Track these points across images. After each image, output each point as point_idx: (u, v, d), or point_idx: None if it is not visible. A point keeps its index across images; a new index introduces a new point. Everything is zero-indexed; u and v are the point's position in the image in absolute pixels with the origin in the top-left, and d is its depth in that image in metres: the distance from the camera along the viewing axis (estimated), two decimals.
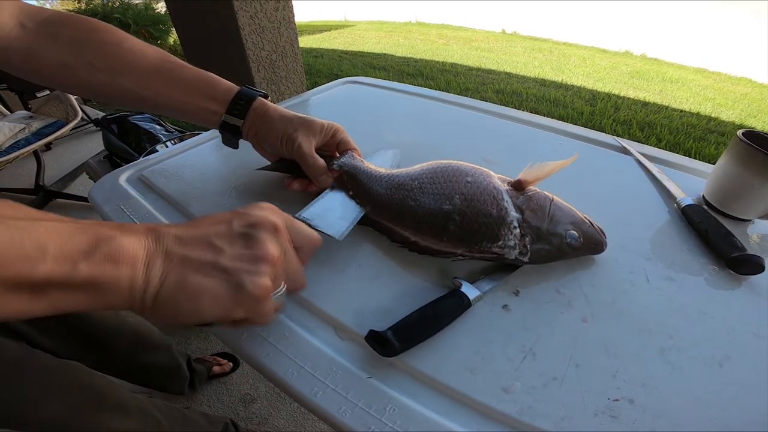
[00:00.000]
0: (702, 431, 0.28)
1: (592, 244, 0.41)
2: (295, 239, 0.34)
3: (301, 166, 0.50)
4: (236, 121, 0.50)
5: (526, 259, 0.39)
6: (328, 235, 0.42)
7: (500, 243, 0.39)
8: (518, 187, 0.43)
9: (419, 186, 0.45)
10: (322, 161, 0.49)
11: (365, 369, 0.33)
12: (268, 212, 0.32)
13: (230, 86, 0.51)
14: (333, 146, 0.53)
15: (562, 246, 0.40)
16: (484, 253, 0.40)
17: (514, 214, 0.40)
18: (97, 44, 0.47)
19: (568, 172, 0.44)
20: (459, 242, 0.40)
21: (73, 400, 0.64)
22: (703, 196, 0.51)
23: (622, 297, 0.38)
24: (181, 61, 0.50)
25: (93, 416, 0.66)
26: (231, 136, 0.52)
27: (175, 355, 1.02)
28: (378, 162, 0.54)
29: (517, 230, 0.39)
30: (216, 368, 1.23)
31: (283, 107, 0.78)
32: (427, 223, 0.42)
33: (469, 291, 0.37)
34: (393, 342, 0.32)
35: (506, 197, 0.42)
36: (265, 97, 0.53)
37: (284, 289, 0.32)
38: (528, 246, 0.39)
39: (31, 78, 0.48)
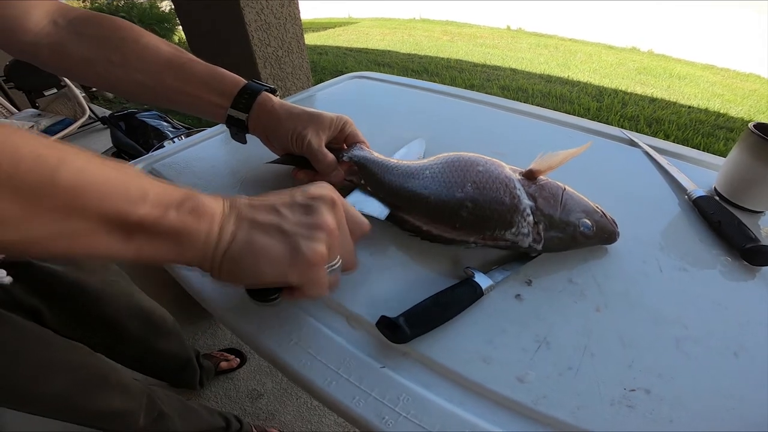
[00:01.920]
0: (718, 421, 0.28)
1: (605, 233, 0.41)
2: (348, 221, 0.35)
3: (312, 163, 0.50)
4: (240, 115, 0.50)
5: (539, 247, 0.39)
6: (372, 216, 0.43)
7: (514, 230, 0.39)
8: (530, 176, 0.43)
9: (431, 175, 0.45)
10: (332, 157, 0.50)
11: (378, 359, 0.33)
12: (328, 189, 0.34)
13: (237, 80, 0.51)
14: (341, 140, 0.53)
15: (576, 234, 0.40)
16: (497, 240, 0.40)
17: (527, 201, 0.40)
18: (117, 41, 0.49)
19: (577, 164, 0.44)
20: (472, 230, 0.40)
21: (74, 378, 0.65)
22: (715, 188, 0.51)
23: (635, 287, 0.38)
24: (193, 57, 0.51)
25: (94, 394, 0.68)
26: (237, 131, 0.52)
27: (186, 345, 1.03)
28: (407, 152, 0.55)
29: (531, 218, 0.39)
30: (223, 364, 1.24)
31: (289, 102, 0.79)
32: (440, 211, 0.42)
33: (482, 280, 0.36)
34: (404, 328, 0.33)
35: (518, 185, 0.42)
36: (273, 91, 0.53)
37: (339, 263, 0.33)
38: (542, 233, 0.39)
39: (58, 72, 0.52)
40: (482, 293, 0.36)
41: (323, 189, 0.34)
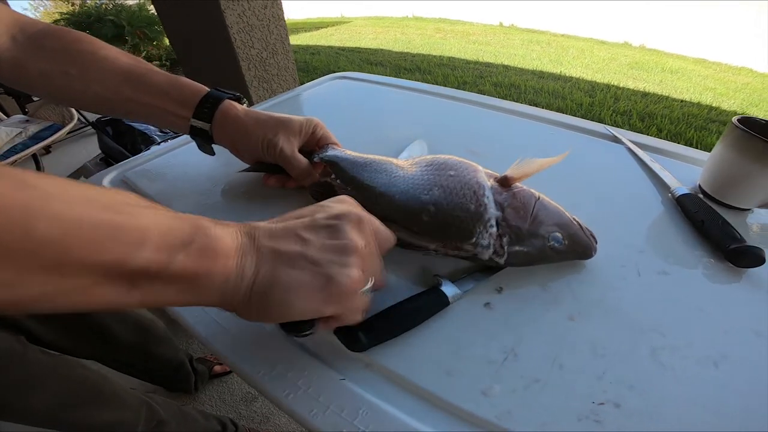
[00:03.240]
0: None
1: (578, 248, 0.38)
2: (375, 235, 0.33)
3: (286, 169, 0.49)
4: (203, 125, 0.49)
5: (501, 261, 0.36)
6: None
7: (473, 240, 0.36)
8: (504, 183, 0.40)
9: (402, 175, 0.43)
10: (306, 162, 0.49)
11: (339, 370, 0.32)
12: (350, 205, 0.32)
13: (198, 89, 0.50)
14: (313, 143, 0.51)
15: (544, 249, 0.37)
16: (457, 250, 0.37)
17: (493, 211, 0.37)
18: (75, 54, 0.48)
19: (558, 165, 0.42)
20: (432, 236, 0.38)
21: (64, 392, 0.65)
22: (699, 185, 0.49)
23: (613, 293, 0.36)
24: (153, 67, 0.50)
25: (87, 408, 0.68)
26: (202, 141, 0.51)
27: (178, 349, 1.04)
28: (408, 155, 0.53)
29: (494, 229, 0.37)
30: (217, 368, 1.24)
31: (272, 103, 0.77)
32: (402, 212, 0.39)
33: (449, 289, 0.35)
34: (360, 335, 0.31)
35: (488, 193, 0.39)
36: (238, 99, 0.51)
37: (372, 283, 0.31)
38: (505, 247, 0.36)
39: (19, 87, 0.51)
40: (448, 302, 0.34)
41: (346, 205, 0.32)
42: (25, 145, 1.88)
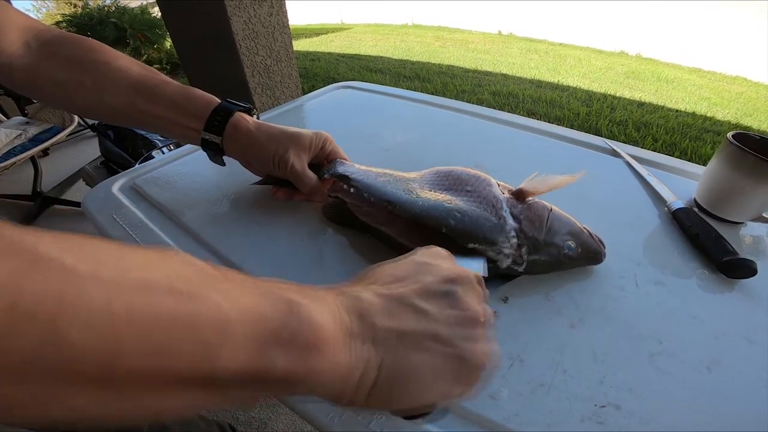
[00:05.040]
0: None
1: (590, 254, 0.41)
2: None
3: (296, 186, 0.50)
4: (214, 138, 0.49)
5: (521, 269, 0.39)
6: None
7: (495, 248, 0.38)
8: (519, 196, 0.42)
9: (419, 187, 0.45)
10: (315, 178, 0.50)
11: None
12: (447, 259, 0.29)
13: (209, 101, 0.49)
14: (323, 158, 0.52)
15: (560, 257, 0.39)
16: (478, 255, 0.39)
17: (512, 223, 0.40)
18: (90, 63, 0.48)
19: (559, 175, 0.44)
20: (455, 244, 0.39)
21: None
22: (695, 199, 0.51)
23: (612, 303, 0.38)
24: (166, 78, 0.50)
25: None
26: (214, 154, 0.51)
27: None
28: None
29: (515, 240, 0.39)
30: None
31: (276, 113, 0.79)
32: (423, 223, 0.41)
33: None
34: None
35: (505, 206, 0.41)
36: (248, 111, 0.51)
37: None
38: (524, 256, 0.39)
39: (31, 95, 0.50)
40: None
41: (448, 262, 0.28)
42: (24, 147, 1.89)
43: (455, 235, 0.39)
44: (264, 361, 0.19)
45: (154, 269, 0.18)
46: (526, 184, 0.42)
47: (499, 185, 0.44)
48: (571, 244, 0.40)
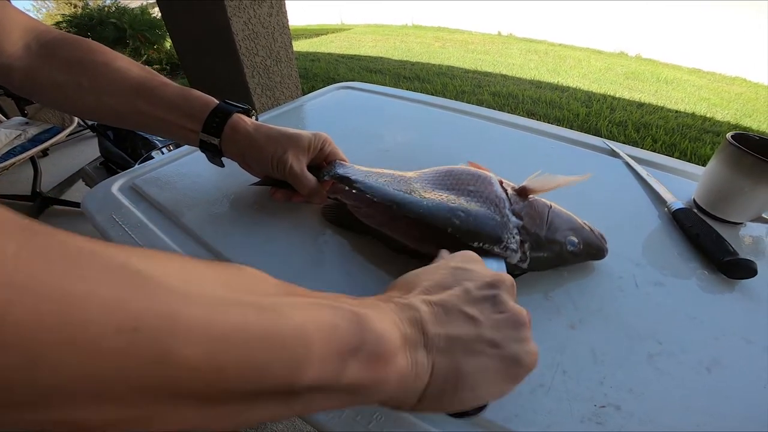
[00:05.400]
0: None
1: (592, 249, 0.41)
2: None
3: (295, 188, 0.50)
4: (212, 140, 0.48)
5: (525, 266, 0.39)
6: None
7: (501, 246, 0.38)
8: (522, 193, 0.43)
9: (422, 187, 0.45)
10: (314, 180, 0.49)
11: None
12: (482, 266, 0.30)
13: (208, 102, 0.49)
14: (322, 159, 0.52)
15: (563, 252, 0.40)
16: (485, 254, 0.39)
17: (514, 220, 0.40)
18: (89, 64, 0.48)
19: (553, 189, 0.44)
20: (460, 243, 0.39)
21: None
22: (694, 200, 0.51)
23: (611, 303, 0.38)
24: (165, 80, 0.50)
25: None
26: (212, 155, 0.51)
27: None
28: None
29: (518, 237, 0.39)
30: None
31: (276, 113, 0.79)
32: (428, 224, 0.40)
33: None
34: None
35: (507, 204, 0.41)
36: (247, 112, 0.51)
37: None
38: (527, 252, 0.39)
39: (30, 96, 0.50)
40: None
41: (483, 266, 0.29)
42: (24, 148, 1.88)
43: (461, 235, 0.39)
44: (339, 372, 0.20)
45: (236, 286, 0.19)
46: (530, 181, 0.43)
47: (501, 182, 0.45)
48: (574, 239, 0.40)
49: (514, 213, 0.41)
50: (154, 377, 0.15)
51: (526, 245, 0.39)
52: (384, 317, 0.23)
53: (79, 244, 0.14)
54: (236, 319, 0.17)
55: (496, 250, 0.38)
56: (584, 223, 0.42)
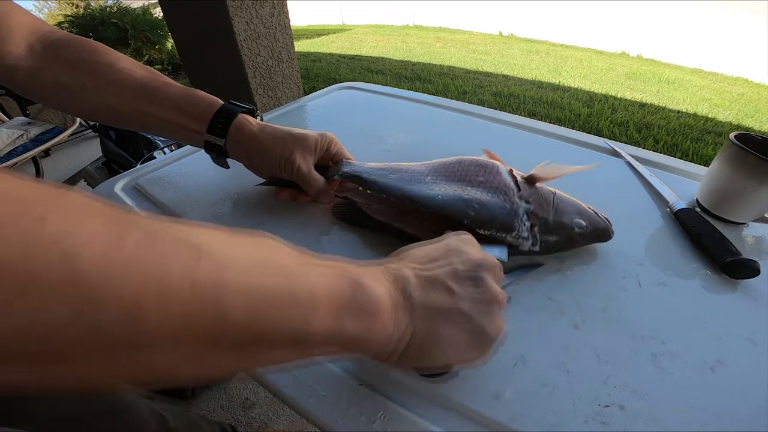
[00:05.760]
0: None
1: (598, 231, 0.42)
2: None
3: (303, 188, 0.50)
4: (217, 141, 0.48)
5: (537, 249, 0.41)
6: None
7: (514, 233, 0.40)
8: (530, 181, 0.45)
9: (433, 180, 0.45)
10: (322, 180, 0.50)
11: (357, 377, 0.33)
12: (475, 246, 0.32)
13: (212, 103, 0.49)
14: (328, 159, 0.52)
15: (572, 234, 0.41)
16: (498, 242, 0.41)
17: (524, 206, 0.42)
18: (92, 65, 0.47)
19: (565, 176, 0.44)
20: (475, 233, 0.39)
21: (81, 407, 0.64)
22: (697, 200, 0.51)
23: (614, 303, 0.38)
24: (169, 80, 0.49)
25: (99, 422, 0.66)
26: (217, 156, 0.51)
27: None
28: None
29: (528, 222, 0.41)
30: None
31: (278, 113, 0.79)
32: (446, 215, 0.41)
33: None
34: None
35: (516, 191, 0.43)
36: (252, 112, 0.51)
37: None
38: (538, 236, 0.41)
39: (33, 97, 0.50)
40: None
41: (475, 251, 0.31)
42: (26, 148, 1.89)
43: (476, 225, 0.40)
44: (339, 326, 0.23)
45: (263, 252, 0.23)
46: (537, 170, 0.45)
47: (511, 171, 0.46)
48: (581, 221, 0.42)
49: (523, 198, 0.42)
50: (209, 329, 0.18)
51: (536, 228, 0.41)
52: (377, 282, 0.26)
53: (156, 226, 0.18)
54: (265, 283, 0.20)
55: (509, 238, 0.40)
56: (589, 207, 0.44)
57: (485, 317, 0.28)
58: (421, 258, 0.30)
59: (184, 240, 0.18)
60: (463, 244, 0.32)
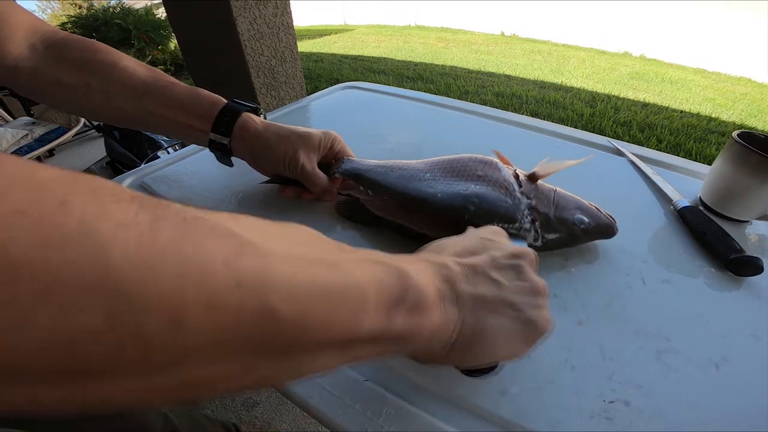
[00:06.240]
0: None
1: (602, 227, 0.42)
2: None
3: (307, 186, 0.50)
4: (222, 139, 0.48)
5: (538, 244, 0.41)
6: None
7: (516, 226, 0.41)
8: (532, 178, 0.45)
9: (432, 177, 0.46)
10: (325, 178, 0.50)
11: (362, 372, 0.34)
12: (506, 237, 0.32)
13: (216, 101, 0.49)
14: (331, 157, 0.52)
15: (574, 231, 0.42)
16: None
17: (525, 201, 0.42)
18: (96, 65, 0.48)
19: (563, 174, 0.45)
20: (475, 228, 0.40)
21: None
22: (700, 198, 0.51)
23: (618, 300, 0.38)
24: (173, 79, 0.50)
25: (112, 419, 0.66)
26: (221, 155, 0.51)
27: None
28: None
29: (529, 217, 0.41)
30: None
31: (282, 113, 0.80)
32: (447, 211, 0.42)
33: None
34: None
35: (516, 187, 0.43)
36: (255, 111, 0.51)
37: None
38: (539, 231, 0.41)
39: (36, 98, 0.50)
40: None
41: (506, 240, 0.31)
42: (30, 148, 1.90)
43: (476, 220, 0.40)
44: (389, 322, 0.21)
45: (304, 243, 0.21)
46: (539, 167, 0.45)
47: (515, 170, 0.46)
48: (583, 218, 0.42)
49: (524, 194, 0.43)
50: (255, 331, 0.16)
51: (538, 224, 0.41)
52: (421, 272, 0.24)
53: (189, 214, 0.16)
54: (313, 276, 0.18)
55: (512, 230, 0.40)
56: (591, 204, 0.44)
57: (534, 309, 0.27)
58: (458, 249, 0.29)
59: (223, 228, 0.16)
60: (494, 235, 0.32)
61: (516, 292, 0.27)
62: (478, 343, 0.25)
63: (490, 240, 0.30)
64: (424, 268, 0.25)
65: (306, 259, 0.19)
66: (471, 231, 0.33)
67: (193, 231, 0.15)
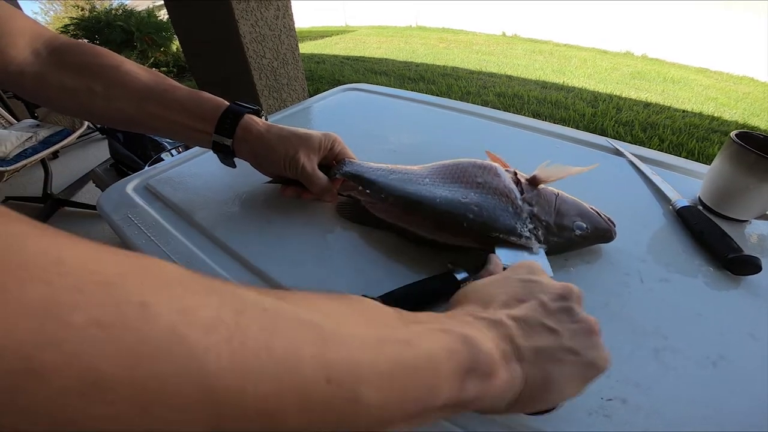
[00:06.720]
0: (694, 431, 0.29)
1: (600, 232, 0.43)
2: None
3: (307, 186, 0.51)
4: (225, 141, 0.49)
5: (537, 251, 0.41)
6: None
7: (516, 234, 0.41)
8: (533, 182, 0.45)
9: (432, 182, 0.46)
10: (325, 179, 0.51)
11: None
12: (544, 273, 0.32)
13: (218, 104, 0.50)
14: (331, 158, 0.53)
15: (572, 236, 0.42)
16: (502, 243, 0.41)
17: (526, 208, 0.42)
18: (97, 68, 0.48)
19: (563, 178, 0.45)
20: (476, 235, 0.41)
21: None
22: (699, 198, 0.52)
23: (617, 299, 0.39)
24: (174, 82, 0.50)
25: None
26: (225, 156, 0.52)
27: None
28: None
29: (530, 224, 0.41)
30: None
31: (284, 115, 0.80)
32: (446, 216, 0.42)
33: (460, 275, 0.38)
34: None
35: (517, 193, 0.44)
36: (257, 113, 0.52)
37: None
38: (541, 238, 0.41)
39: (41, 102, 0.51)
40: (459, 285, 0.37)
41: (550, 280, 0.31)
42: (35, 150, 1.91)
43: (476, 227, 0.41)
44: (461, 391, 0.22)
45: (371, 320, 0.21)
46: (540, 171, 0.45)
47: (516, 173, 0.47)
48: (582, 224, 0.42)
49: (525, 201, 0.43)
50: (341, 418, 0.16)
51: (540, 232, 0.41)
52: (484, 336, 0.25)
53: (267, 303, 0.16)
54: (392, 358, 0.19)
55: (512, 239, 0.40)
56: (591, 208, 0.44)
57: (592, 350, 0.27)
58: (504, 299, 0.29)
59: (303, 318, 0.17)
60: (532, 274, 0.31)
61: (572, 337, 0.27)
62: (543, 393, 0.26)
63: (533, 282, 0.30)
64: (484, 330, 0.26)
65: (381, 339, 0.20)
66: (508, 273, 0.32)
67: (277, 325, 0.15)
